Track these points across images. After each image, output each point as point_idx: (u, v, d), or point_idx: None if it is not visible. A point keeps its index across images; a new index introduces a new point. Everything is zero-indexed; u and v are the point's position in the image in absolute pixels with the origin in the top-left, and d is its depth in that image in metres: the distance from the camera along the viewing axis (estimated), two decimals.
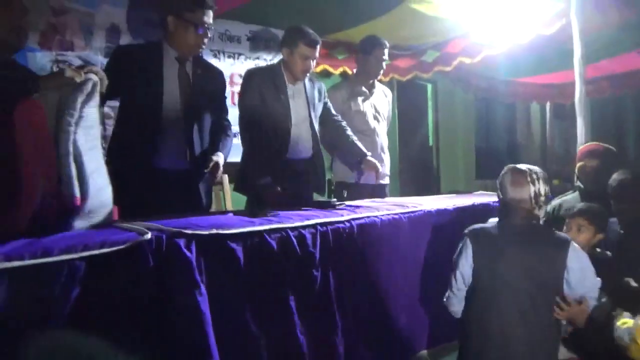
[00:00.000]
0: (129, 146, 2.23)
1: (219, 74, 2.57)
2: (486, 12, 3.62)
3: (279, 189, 2.51)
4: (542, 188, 1.89)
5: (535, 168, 1.95)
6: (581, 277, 1.83)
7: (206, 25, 2.28)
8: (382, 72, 3.38)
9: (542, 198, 1.89)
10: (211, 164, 2.25)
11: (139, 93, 2.26)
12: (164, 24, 2.28)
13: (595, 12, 3.52)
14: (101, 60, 2.97)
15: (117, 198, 1.73)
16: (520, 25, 3.64)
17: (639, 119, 7.95)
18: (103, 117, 3.02)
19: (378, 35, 3.34)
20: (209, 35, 2.34)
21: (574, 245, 1.87)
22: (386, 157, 3.46)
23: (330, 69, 4.28)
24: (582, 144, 3.32)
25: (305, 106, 2.84)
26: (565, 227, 2.20)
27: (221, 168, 2.31)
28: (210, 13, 2.30)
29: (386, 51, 3.29)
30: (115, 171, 1.82)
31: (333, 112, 3.02)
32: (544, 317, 1.82)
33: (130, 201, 1.98)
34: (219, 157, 2.31)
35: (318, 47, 2.73)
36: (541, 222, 1.98)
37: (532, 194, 1.87)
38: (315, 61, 2.76)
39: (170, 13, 2.26)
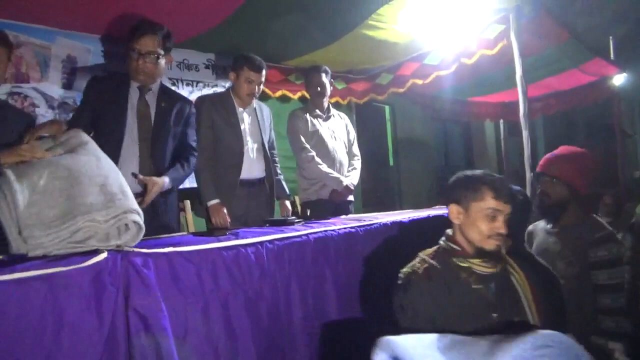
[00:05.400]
0: None
1: (185, 103, 2.57)
2: (433, 35, 3.82)
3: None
4: None
5: None
6: None
7: (146, 52, 2.29)
8: (325, 93, 3.40)
9: None
10: (145, 184, 2.19)
11: (105, 122, 2.33)
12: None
13: (532, 33, 3.76)
14: (57, 91, 2.98)
15: None
16: (466, 47, 3.84)
17: (587, 132, 8.35)
18: None
19: (320, 63, 3.48)
20: (155, 61, 2.32)
21: None
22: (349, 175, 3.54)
23: (289, 94, 4.40)
24: (529, 156, 3.50)
25: (257, 129, 2.94)
26: None
27: (154, 190, 2.21)
28: (150, 39, 2.29)
29: (323, 75, 3.37)
30: None
31: (274, 144, 3.13)
32: None
33: None
34: (155, 180, 2.23)
35: (263, 72, 2.83)
36: None
37: None
38: (261, 86, 2.87)
39: (126, 43, 2.33)
